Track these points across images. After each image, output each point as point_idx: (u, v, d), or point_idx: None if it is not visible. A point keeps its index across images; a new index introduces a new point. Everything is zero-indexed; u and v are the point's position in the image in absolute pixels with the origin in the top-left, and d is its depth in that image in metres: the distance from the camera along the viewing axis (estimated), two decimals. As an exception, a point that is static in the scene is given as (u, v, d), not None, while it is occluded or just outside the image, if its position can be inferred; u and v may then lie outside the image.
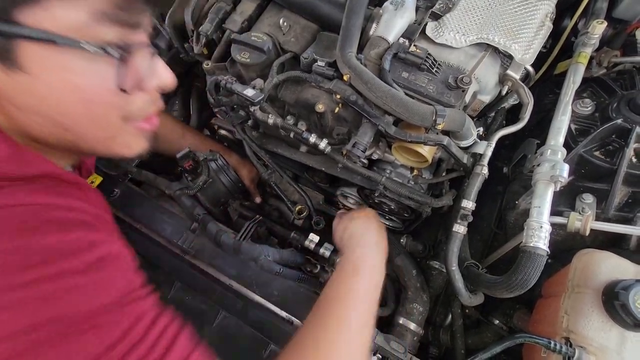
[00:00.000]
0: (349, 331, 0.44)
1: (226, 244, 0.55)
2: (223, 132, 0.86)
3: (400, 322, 0.63)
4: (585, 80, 0.56)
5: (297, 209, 0.76)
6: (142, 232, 0.59)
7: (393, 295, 0.71)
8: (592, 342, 0.41)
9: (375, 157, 0.68)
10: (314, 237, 0.66)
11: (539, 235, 0.45)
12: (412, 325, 0.63)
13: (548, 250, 0.44)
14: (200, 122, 1.01)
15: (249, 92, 0.58)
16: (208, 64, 0.66)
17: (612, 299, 0.41)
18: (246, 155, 0.76)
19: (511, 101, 0.63)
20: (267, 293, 0.53)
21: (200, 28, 0.65)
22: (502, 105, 0.63)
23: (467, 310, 0.65)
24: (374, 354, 0.50)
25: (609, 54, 0.61)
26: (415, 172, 0.66)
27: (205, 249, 0.57)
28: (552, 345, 0.41)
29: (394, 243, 0.70)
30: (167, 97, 1.08)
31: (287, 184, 0.78)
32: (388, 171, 0.68)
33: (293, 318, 0.51)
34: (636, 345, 0.41)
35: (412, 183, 0.67)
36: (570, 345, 0.41)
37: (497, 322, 0.63)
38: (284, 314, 0.52)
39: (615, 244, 0.50)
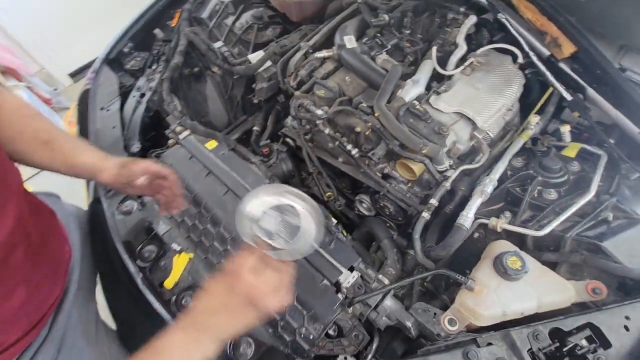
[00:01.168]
0: None
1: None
2: (288, 139, 1.27)
3: (379, 277, 0.93)
4: (524, 147, 0.91)
5: (327, 194, 1.12)
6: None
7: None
8: (481, 281, 0.71)
9: (386, 171, 1.04)
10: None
11: (465, 220, 0.77)
12: (386, 281, 0.92)
13: (467, 228, 0.76)
14: (274, 132, 1.43)
15: (319, 112, 0.99)
16: (298, 93, 1.08)
17: (497, 259, 0.71)
18: (302, 158, 1.15)
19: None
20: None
21: (298, 71, 1.09)
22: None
23: (424, 283, 0.94)
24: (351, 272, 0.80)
25: (548, 139, 0.95)
26: (409, 184, 1.00)
27: (269, 195, 0.94)
28: (457, 276, 0.71)
29: (384, 230, 1.02)
30: (252, 111, 1.54)
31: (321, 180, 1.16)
32: (393, 183, 1.03)
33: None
34: (505, 289, 0.70)
35: (408, 194, 1.01)
36: (468, 278, 0.71)
37: (443, 296, 0.91)
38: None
39: (521, 246, 0.80)
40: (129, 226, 0.94)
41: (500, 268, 0.70)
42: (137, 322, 0.85)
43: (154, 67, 1.28)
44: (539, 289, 0.69)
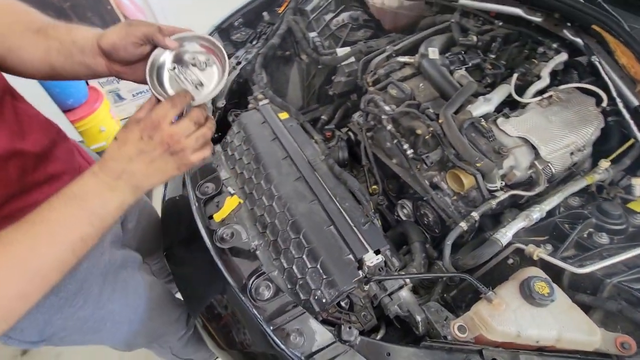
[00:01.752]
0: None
1: (336, 169, 1.00)
2: (350, 133, 1.35)
3: (401, 272, 0.95)
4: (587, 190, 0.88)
5: (372, 187, 1.18)
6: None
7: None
8: (502, 297, 0.71)
9: (435, 180, 1.06)
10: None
11: (502, 236, 0.77)
12: (409, 282, 0.94)
13: (502, 244, 0.76)
14: (339, 125, 1.52)
15: (387, 108, 1.05)
16: (372, 88, 1.16)
17: (524, 282, 0.71)
18: (359, 155, 1.21)
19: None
20: (342, 202, 0.95)
21: (377, 70, 1.17)
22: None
23: (444, 295, 0.94)
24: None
25: (616, 189, 0.91)
26: (455, 198, 1.02)
27: (321, 169, 1.03)
28: (479, 285, 0.72)
29: (419, 234, 1.04)
30: (325, 102, 1.65)
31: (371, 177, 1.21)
32: (439, 194, 1.05)
33: (347, 217, 0.91)
34: (525, 311, 0.69)
35: (451, 207, 1.02)
36: (492, 291, 0.71)
37: (461, 313, 0.90)
38: (345, 214, 0.92)
39: (556, 281, 0.78)
40: (198, 164, 1.09)
41: (526, 290, 0.69)
42: (184, 244, 0.99)
43: (254, 42, 1.45)
44: (562, 323, 0.67)
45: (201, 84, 0.64)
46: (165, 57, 0.64)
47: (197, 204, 0.98)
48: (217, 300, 0.90)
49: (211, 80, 0.64)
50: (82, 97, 2.20)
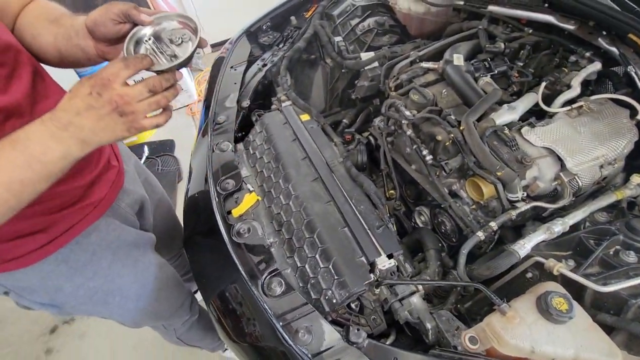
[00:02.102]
0: None
1: (353, 172, 1.00)
2: (370, 137, 1.35)
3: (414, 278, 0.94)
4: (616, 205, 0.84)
5: (390, 191, 1.17)
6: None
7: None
8: (517, 310, 0.69)
9: (453, 187, 1.04)
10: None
11: (520, 248, 0.75)
12: (421, 289, 0.93)
13: (520, 256, 0.74)
14: (360, 129, 1.53)
15: (408, 113, 1.05)
16: (394, 93, 1.16)
17: (542, 296, 0.68)
18: (378, 159, 1.21)
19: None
20: (357, 205, 0.95)
21: (400, 75, 1.17)
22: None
23: (457, 306, 0.92)
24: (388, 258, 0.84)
25: (648, 206, 0.86)
26: (474, 207, 0.99)
27: (339, 171, 1.04)
28: (493, 296, 0.70)
29: (434, 241, 1.03)
30: (347, 106, 1.66)
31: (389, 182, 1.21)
32: (457, 202, 1.03)
33: (361, 219, 0.91)
34: (541, 327, 0.66)
35: (470, 216, 1.00)
36: (504, 302, 0.69)
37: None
38: (360, 216, 0.92)
39: (577, 299, 0.75)
40: (221, 161, 1.13)
41: (543, 305, 0.67)
42: (203, 235, 1.02)
43: (280, 45, 1.49)
44: (581, 342, 0.64)
45: (175, 57, 0.66)
46: (145, 32, 0.68)
47: (217, 199, 1.01)
48: (229, 291, 0.93)
49: (185, 54, 0.66)
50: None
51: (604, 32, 1.04)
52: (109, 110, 0.55)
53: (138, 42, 0.68)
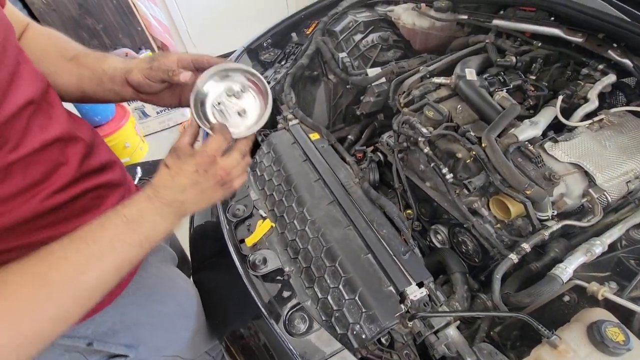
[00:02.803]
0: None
1: (372, 193, 0.95)
2: (379, 154, 1.31)
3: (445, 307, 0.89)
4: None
5: (407, 211, 1.12)
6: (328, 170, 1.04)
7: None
8: (567, 343, 0.64)
9: (474, 206, 1.01)
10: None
11: (562, 272, 0.71)
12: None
13: (563, 280, 0.69)
14: (365, 145, 1.49)
15: (424, 130, 1.01)
16: (406, 110, 1.13)
17: (593, 325, 0.64)
18: (387, 177, 1.17)
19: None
20: (379, 229, 0.90)
21: (411, 91, 1.14)
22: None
23: (491, 332, 0.87)
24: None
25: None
26: (498, 226, 0.95)
27: (356, 192, 0.99)
28: (541, 327, 0.65)
29: (459, 264, 0.98)
30: (351, 122, 1.63)
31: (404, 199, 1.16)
32: (479, 221, 0.99)
33: (385, 245, 0.86)
34: (596, 360, 0.62)
35: (494, 234, 0.96)
36: (552, 333, 0.65)
37: (510, 354, 0.83)
38: (383, 242, 0.87)
39: (625, 325, 0.70)
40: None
41: (597, 336, 0.62)
42: (214, 268, 0.95)
43: (282, 62, 1.45)
44: (640, 376, 0.60)
45: (244, 112, 0.66)
46: (209, 88, 0.64)
47: (228, 227, 0.94)
48: (248, 329, 0.85)
49: (253, 109, 0.66)
50: (110, 115, 2.25)
51: (615, 45, 1.04)
52: (213, 183, 0.58)
53: (203, 99, 0.64)
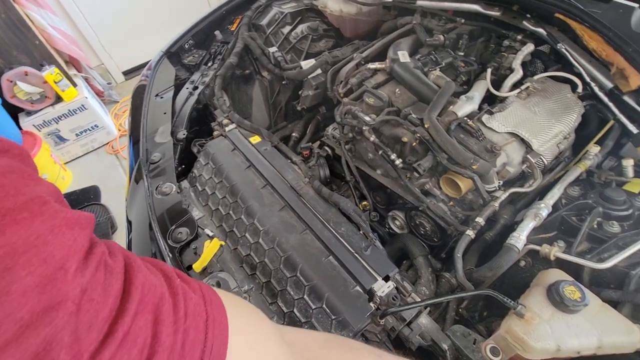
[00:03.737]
0: None
1: (324, 192, 0.90)
2: (326, 148, 1.27)
3: (414, 295, 0.87)
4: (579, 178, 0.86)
5: (363, 203, 1.09)
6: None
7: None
8: (532, 309, 0.65)
9: (426, 187, 1.01)
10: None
11: (517, 241, 0.72)
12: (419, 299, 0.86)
13: (519, 249, 0.71)
14: (311, 141, 1.44)
15: (367, 118, 0.98)
16: (346, 99, 1.09)
17: (552, 287, 0.65)
18: (338, 169, 1.14)
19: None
20: (336, 228, 0.85)
21: (349, 80, 1.11)
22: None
23: (459, 309, 0.87)
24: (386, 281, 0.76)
25: (606, 173, 0.90)
26: (451, 203, 0.96)
27: (307, 193, 0.93)
28: (506, 299, 0.66)
29: (420, 247, 0.97)
30: (293, 118, 1.56)
31: (357, 191, 1.13)
32: (432, 201, 1.00)
33: (345, 243, 0.82)
34: (559, 321, 0.63)
35: (448, 212, 0.97)
36: (517, 303, 0.65)
37: (479, 326, 0.84)
38: (343, 240, 0.83)
39: (576, 279, 0.74)
40: (166, 207, 0.95)
41: (556, 297, 0.63)
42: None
43: (209, 64, 1.34)
44: (600, 327, 0.62)
45: None
46: None
47: (170, 255, 0.84)
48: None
49: None
50: (15, 145, 1.94)
51: (528, 15, 1.09)
52: None
53: None
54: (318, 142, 1.30)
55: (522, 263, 0.83)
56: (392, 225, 1.16)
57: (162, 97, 1.19)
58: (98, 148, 2.58)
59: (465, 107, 0.93)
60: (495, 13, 1.14)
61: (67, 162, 2.46)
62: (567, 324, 0.63)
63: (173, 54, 1.35)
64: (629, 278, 0.67)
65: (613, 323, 0.63)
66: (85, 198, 2.28)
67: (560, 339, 0.61)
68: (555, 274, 0.70)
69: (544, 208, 0.77)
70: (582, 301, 0.62)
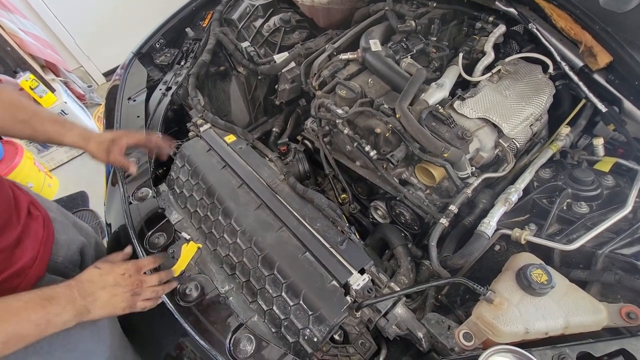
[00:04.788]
0: None
1: (299, 188, 0.90)
2: (306, 141, 1.26)
3: (391, 284, 0.88)
4: (552, 158, 0.86)
5: (342, 196, 1.10)
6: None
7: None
8: (501, 294, 0.66)
9: (403, 176, 1.01)
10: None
11: (487, 227, 0.73)
12: (398, 288, 0.87)
13: (489, 235, 0.71)
14: (293, 135, 1.43)
15: (340, 111, 0.97)
16: (319, 92, 1.08)
17: (520, 272, 0.66)
18: (320, 161, 1.13)
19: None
20: (312, 223, 0.85)
21: (321, 72, 1.09)
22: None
23: (439, 296, 0.88)
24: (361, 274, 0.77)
25: (579, 152, 0.90)
26: (428, 191, 0.97)
27: (283, 190, 0.93)
28: (476, 286, 0.67)
29: (399, 237, 0.98)
30: (273, 113, 1.55)
31: (337, 184, 1.13)
32: (410, 190, 1.00)
33: (321, 239, 0.82)
34: (528, 305, 0.64)
35: (425, 201, 0.97)
36: (487, 289, 0.66)
37: (459, 311, 0.85)
38: (319, 236, 0.83)
39: (547, 261, 0.75)
40: (142, 212, 0.94)
41: (524, 281, 0.64)
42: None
43: (182, 63, 1.31)
44: (566, 308, 0.64)
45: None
46: None
47: (148, 261, 0.84)
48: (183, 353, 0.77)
49: None
50: (-4, 155, 1.91)
51: (499, -5, 1.07)
52: (128, 290, 0.68)
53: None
54: (300, 138, 1.30)
55: (497, 247, 0.84)
56: (375, 215, 1.17)
57: (134, 100, 1.17)
58: (83, 153, 2.54)
59: (436, 94, 0.92)
60: (467, -6, 1.12)
61: (52, 169, 2.43)
62: (535, 307, 0.64)
63: (145, 55, 1.32)
64: (596, 258, 0.68)
65: (579, 303, 0.64)
66: (73, 204, 2.27)
67: (528, 322, 0.63)
68: (524, 258, 0.71)
69: (514, 193, 0.78)
70: (549, 284, 0.63)
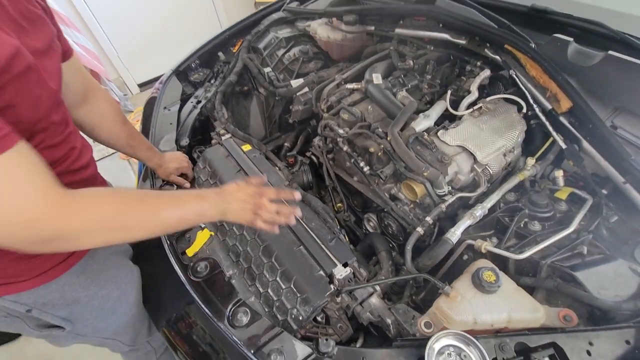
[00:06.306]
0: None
1: (308, 196, 1.06)
2: (313, 157, 1.43)
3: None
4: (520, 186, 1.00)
5: (337, 205, 1.25)
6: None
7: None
8: (457, 290, 0.79)
9: (392, 191, 1.16)
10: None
11: (452, 235, 0.86)
12: (378, 289, 1.00)
13: (453, 242, 0.85)
14: (302, 150, 1.61)
15: (341, 131, 1.15)
16: (326, 115, 1.26)
17: (475, 273, 0.79)
18: (323, 176, 1.30)
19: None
20: (308, 222, 1.01)
21: (329, 97, 1.28)
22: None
23: (413, 297, 1.01)
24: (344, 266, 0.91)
25: (545, 182, 1.04)
26: (412, 206, 1.11)
27: (287, 194, 1.09)
28: (437, 282, 0.80)
29: (384, 243, 1.12)
30: (287, 130, 1.74)
31: (336, 196, 1.29)
32: (398, 204, 1.14)
33: (314, 236, 0.97)
34: (478, 300, 0.77)
35: (410, 215, 1.11)
36: (448, 285, 0.79)
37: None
38: (312, 233, 0.98)
39: (504, 269, 0.87)
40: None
41: (477, 280, 0.77)
42: (160, 281, 1.00)
43: (212, 81, 1.53)
44: (511, 305, 0.76)
45: None
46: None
47: (168, 242, 1.00)
48: (196, 333, 0.91)
49: None
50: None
51: (488, 44, 1.25)
52: (251, 206, 0.81)
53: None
54: (308, 152, 1.47)
55: (465, 257, 0.97)
56: (367, 226, 1.31)
57: (169, 110, 1.38)
58: (113, 154, 2.80)
59: (422, 123, 1.08)
60: (461, 41, 1.30)
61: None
62: (485, 302, 0.76)
63: (181, 72, 1.55)
64: (540, 267, 0.80)
65: (522, 302, 0.76)
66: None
67: (477, 314, 0.75)
68: (482, 263, 0.84)
69: (479, 209, 0.92)
70: (496, 283, 0.76)
